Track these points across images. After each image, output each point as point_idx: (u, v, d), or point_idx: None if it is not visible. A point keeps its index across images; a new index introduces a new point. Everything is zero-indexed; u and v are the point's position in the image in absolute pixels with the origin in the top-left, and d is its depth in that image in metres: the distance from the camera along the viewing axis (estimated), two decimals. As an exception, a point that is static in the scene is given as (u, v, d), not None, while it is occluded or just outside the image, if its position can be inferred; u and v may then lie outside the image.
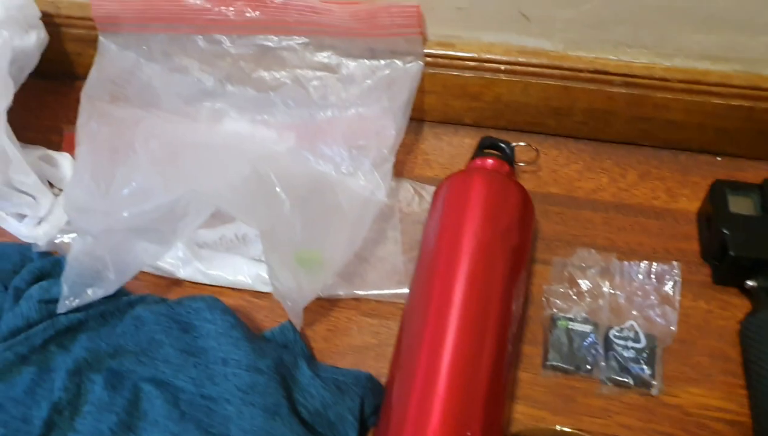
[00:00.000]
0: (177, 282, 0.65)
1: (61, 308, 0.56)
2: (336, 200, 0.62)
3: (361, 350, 0.60)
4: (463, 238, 0.57)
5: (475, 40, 0.68)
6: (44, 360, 0.54)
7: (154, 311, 0.57)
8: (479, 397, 0.50)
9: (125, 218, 0.54)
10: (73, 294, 0.56)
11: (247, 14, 0.70)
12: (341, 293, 0.62)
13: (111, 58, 0.73)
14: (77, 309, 0.57)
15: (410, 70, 0.69)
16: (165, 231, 0.56)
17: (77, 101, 0.79)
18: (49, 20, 0.74)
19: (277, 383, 0.52)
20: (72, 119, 0.78)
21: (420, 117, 0.74)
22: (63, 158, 0.71)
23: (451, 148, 0.73)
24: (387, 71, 0.69)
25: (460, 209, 0.59)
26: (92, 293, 0.57)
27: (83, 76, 0.80)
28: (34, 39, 0.71)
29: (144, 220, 0.54)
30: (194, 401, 0.52)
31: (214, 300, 0.58)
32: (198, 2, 0.70)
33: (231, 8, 0.70)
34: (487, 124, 0.74)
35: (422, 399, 0.50)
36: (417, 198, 0.69)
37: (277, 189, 0.57)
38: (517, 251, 0.58)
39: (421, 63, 0.68)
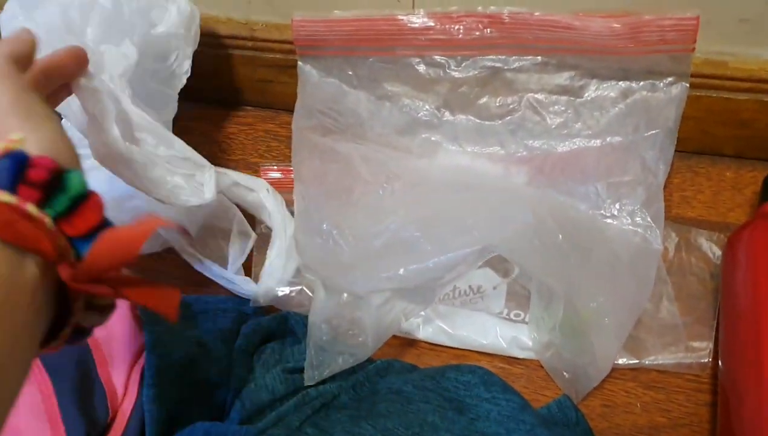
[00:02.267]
0: (411, 342, 0.56)
1: (309, 379, 0.48)
2: (611, 249, 0.52)
3: (651, 431, 0.51)
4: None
5: (753, 58, 0.58)
6: (303, 447, 0.46)
7: (417, 385, 0.48)
8: None
9: (399, 277, 0.45)
10: (321, 363, 0.48)
11: (477, 33, 0.61)
12: (620, 361, 0.52)
13: (314, 86, 0.65)
14: (323, 380, 0.49)
15: (673, 92, 0.58)
16: (434, 288, 0.47)
17: (268, 133, 0.73)
18: (241, 43, 0.67)
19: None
20: (263, 153, 0.71)
21: (669, 146, 0.64)
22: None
23: (710, 184, 0.63)
24: (643, 93, 0.59)
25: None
26: (343, 362, 0.49)
27: (275, 106, 0.74)
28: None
29: (419, 278, 0.45)
30: (489, 503, 0.43)
31: (488, 374, 0.49)
32: (419, 21, 0.61)
33: (459, 26, 0.61)
34: (750, 156, 0.63)
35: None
36: (683, 244, 0.59)
37: (560, 237, 0.48)
38: None
39: (685, 84, 0.58)
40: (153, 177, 0.50)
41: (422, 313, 0.54)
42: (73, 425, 0.45)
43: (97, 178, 0.58)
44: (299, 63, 0.65)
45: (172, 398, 0.49)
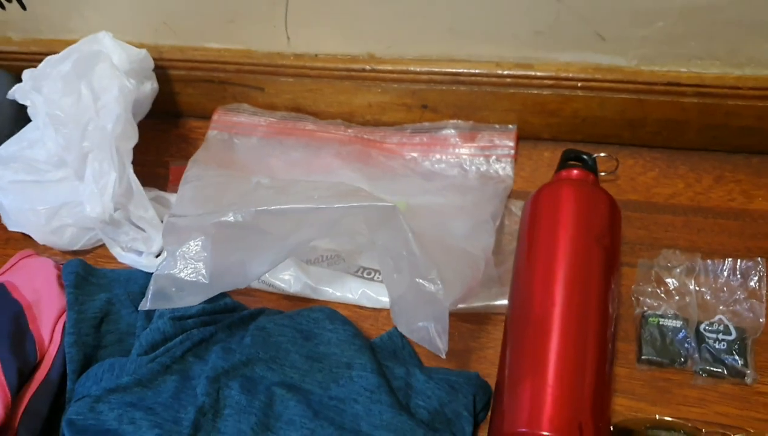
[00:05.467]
0: (286, 297, 0.70)
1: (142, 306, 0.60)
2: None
3: (464, 353, 0.65)
4: (559, 245, 0.61)
5: (552, 60, 0.73)
6: (185, 369, 0.60)
7: (277, 323, 0.62)
8: (587, 389, 0.54)
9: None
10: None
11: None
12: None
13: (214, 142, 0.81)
14: (207, 323, 0.63)
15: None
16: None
17: (178, 136, 0.87)
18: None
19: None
20: (174, 153, 0.85)
21: (500, 134, 0.79)
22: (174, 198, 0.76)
23: (531, 163, 0.78)
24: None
25: (554, 218, 0.63)
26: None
27: (183, 114, 0.88)
28: (149, 88, 0.78)
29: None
30: (323, 402, 0.57)
31: (332, 312, 0.63)
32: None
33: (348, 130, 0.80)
34: (564, 138, 0.78)
35: (535, 392, 0.54)
36: (505, 212, 0.73)
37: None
38: (610, 253, 0.62)
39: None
40: (120, 231, 0.71)
41: (291, 272, 0.68)
42: (7, 363, 0.59)
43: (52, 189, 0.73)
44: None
45: (88, 343, 0.63)
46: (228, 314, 0.64)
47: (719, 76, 0.70)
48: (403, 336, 0.63)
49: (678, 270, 0.66)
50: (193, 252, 0.57)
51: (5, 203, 0.74)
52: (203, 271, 0.57)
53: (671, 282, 0.65)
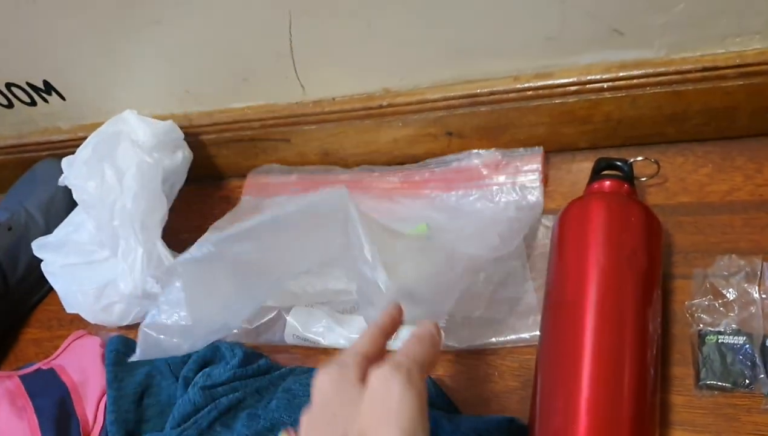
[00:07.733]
0: (324, 351, 0.68)
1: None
2: None
3: (504, 394, 0.60)
4: (588, 267, 0.56)
5: (572, 65, 0.67)
6: (212, 440, 0.59)
7: (302, 383, 0.60)
8: (624, 425, 0.49)
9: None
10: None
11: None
12: (479, 342, 0.63)
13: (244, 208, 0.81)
14: (237, 389, 0.62)
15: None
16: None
17: (221, 198, 0.88)
18: (184, 131, 0.83)
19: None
20: (218, 214, 0.86)
21: (534, 150, 0.74)
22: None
23: (570, 176, 0.72)
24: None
25: (581, 238, 0.58)
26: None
27: (224, 175, 0.89)
28: (181, 157, 0.80)
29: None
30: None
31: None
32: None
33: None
34: (603, 145, 0.72)
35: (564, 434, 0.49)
36: (543, 230, 0.68)
37: None
38: (646, 272, 0.55)
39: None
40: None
41: (324, 323, 0.67)
42: (52, 449, 0.61)
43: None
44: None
45: (129, 419, 0.64)
46: (260, 378, 0.63)
47: (762, 51, 0.61)
48: (436, 384, 0.60)
49: (737, 278, 0.58)
50: (174, 296, 0.57)
51: (58, 287, 0.78)
52: (183, 313, 0.57)
53: (729, 292, 0.58)
